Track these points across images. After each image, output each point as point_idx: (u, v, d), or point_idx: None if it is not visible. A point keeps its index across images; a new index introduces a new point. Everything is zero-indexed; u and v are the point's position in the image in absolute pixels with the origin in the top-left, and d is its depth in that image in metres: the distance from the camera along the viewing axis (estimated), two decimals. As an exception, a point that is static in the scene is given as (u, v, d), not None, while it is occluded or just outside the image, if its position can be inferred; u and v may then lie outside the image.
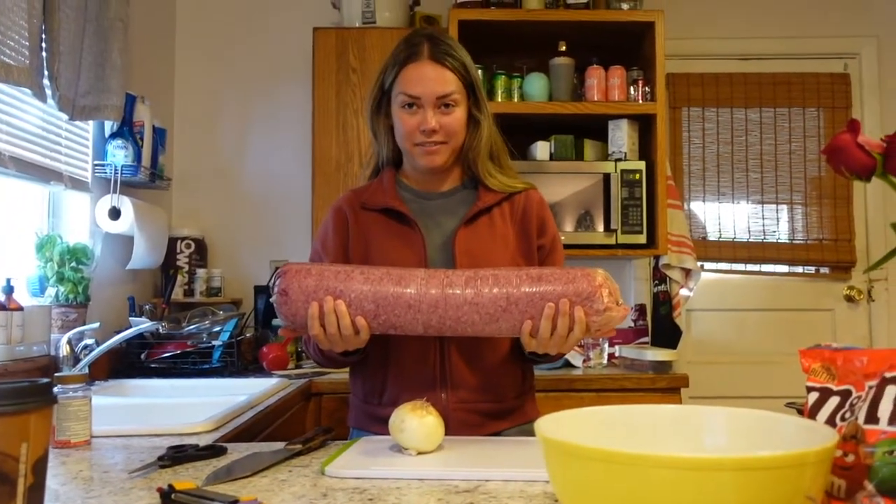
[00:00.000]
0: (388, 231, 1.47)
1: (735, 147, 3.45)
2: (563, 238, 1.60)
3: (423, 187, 1.53)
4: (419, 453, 1.14)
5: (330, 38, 2.96)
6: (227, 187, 3.27)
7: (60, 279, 2.16)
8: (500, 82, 2.95)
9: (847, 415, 0.72)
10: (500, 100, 2.93)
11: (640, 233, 2.87)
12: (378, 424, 1.42)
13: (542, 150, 2.96)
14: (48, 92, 2.05)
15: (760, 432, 0.77)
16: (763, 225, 3.42)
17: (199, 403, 1.83)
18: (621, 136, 2.96)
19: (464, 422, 1.41)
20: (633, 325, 3.12)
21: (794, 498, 0.61)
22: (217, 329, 2.62)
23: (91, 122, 2.47)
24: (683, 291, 3.08)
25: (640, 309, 3.14)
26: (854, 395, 0.73)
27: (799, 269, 3.44)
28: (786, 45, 3.46)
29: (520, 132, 3.03)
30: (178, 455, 1.13)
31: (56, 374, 1.33)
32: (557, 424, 0.76)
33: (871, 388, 0.71)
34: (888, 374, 0.70)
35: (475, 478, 1.02)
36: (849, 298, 3.40)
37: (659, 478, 0.60)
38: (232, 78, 3.30)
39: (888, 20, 3.46)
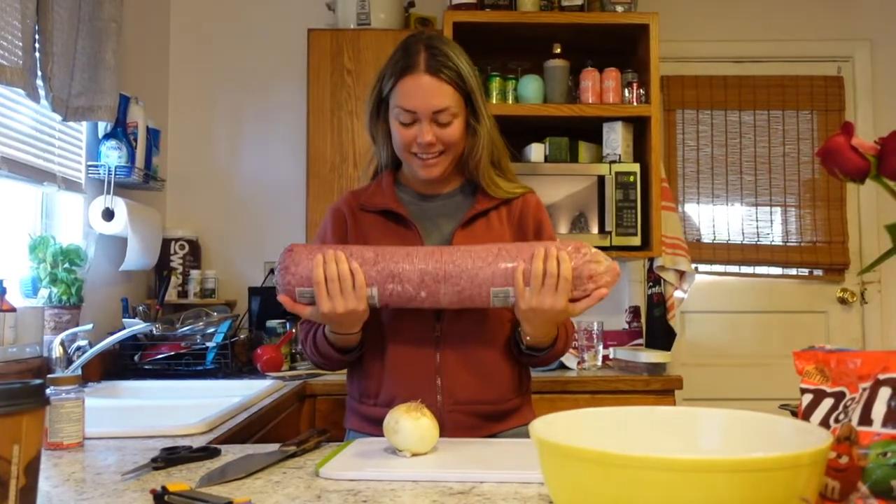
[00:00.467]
0: (386, 232, 1.48)
1: (729, 149, 3.46)
2: (557, 240, 1.60)
3: (422, 189, 1.53)
4: (413, 455, 1.14)
5: (325, 40, 2.96)
6: (221, 189, 3.26)
7: (53, 280, 2.15)
8: (495, 84, 2.95)
9: (841, 416, 0.72)
10: (494, 102, 2.94)
11: (635, 235, 2.88)
12: (373, 425, 1.42)
13: (536, 152, 2.97)
14: (41, 92, 2.05)
15: (755, 434, 0.77)
16: (757, 227, 3.43)
17: (192, 405, 1.82)
18: (616, 139, 2.96)
19: (459, 424, 1.41)
20: (627, 326, 3.12)
21: (788, 499, 0.61)
22: (211, 330, 2.61)
23: (84, 123, 2.46)
24: (678, 293, 3.09)
25: (635, 311, 3.15)
26: (848, 396, 0.73)
27: (792, 272, 3.45)
28: (780, 48, 3.47)
29: (514, 134, 3.01)
30: (172, 457, 1.13)
31: (49, 376, 1.32)
32: (552, 426, 0.76)
33: (864, 389, 0.72)
34: (882, 376, 0.71)
35: (470, 479, 1.02)
36: (842, 300, 3.41)
37: (653, 479, 0.60)
38: (226, 79, 3.29)
39: (881, 24, 3.48)
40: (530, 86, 2.95)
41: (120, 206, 2.50)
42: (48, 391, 1.25)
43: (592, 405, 0.85)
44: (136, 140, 2.57)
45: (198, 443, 1.32)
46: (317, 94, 2.94)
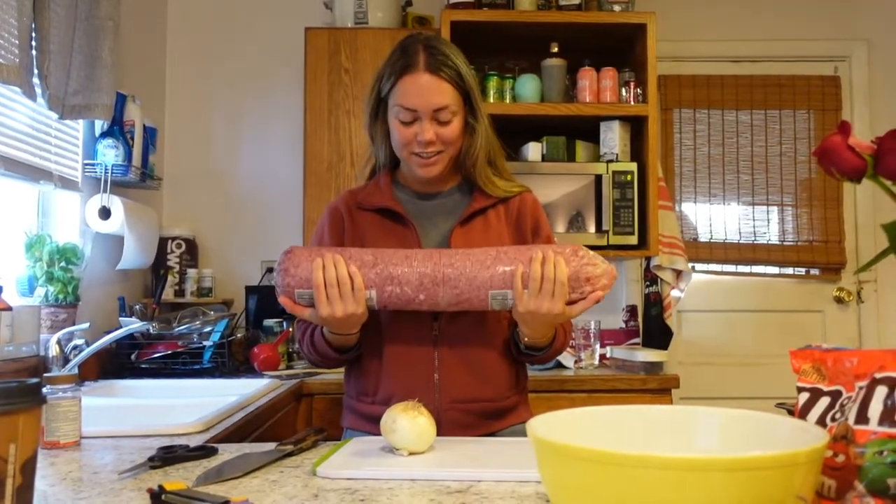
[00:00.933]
0: (384, 231, 1.48)
1: (726, 149, 3.46)
2: (554, 239, 1.61)
3: (419, 188, 1.53)
4: (411, 453, 1.14)
5: (322, 39, 2.96)
6: (218, 187, 3.26)
7: (50, 279, 2.15)
8: (492, 83, 2.95)
9: (837, 415, 0.73)
10: (492, 101, 2.93)
11: (632, 234, 2.88)
12: (370, 424, 1.43)
13: (533, 151, 2.97)
14: (38, 90, 2.04)
15: (751, 433, 0.77)
16: (754, 226, 3.44)
17: (189, 404, 1.82)
18: (613, 138, 2.96)
19: (457, 422, 1.41)
20: (624, 325, 3.12)
21: (784, 498, 0.61)
22: (208, 329, 2.61)
23: (81, 122, 2.46)
24: (674, 292, 3.09)
25: (632, 310, 3.15)
26: (844, 395, 0.74)
27: (789, 271, 3.45)
28: (777, 47, 3.47)
29: (512, 133, 3.03)
30: (169, 456, 1.13)
31: (45, 375, 1.32)
32: (549, 425, 0.76)
33: (861, 388, 0.72)
34: (878, 375, 0.71)
35: (467, 478, 1.02)
36: (838, 300, 3.42)
37: (650, 478, 0.60)
38: (223, 78, 3.29)
39: (878, 24, 3.48)
40: (528, 85, 2.95)
41: (116, 204, 2.49)
42: (45, 390, 1.25)
43: (589, 404, 0.85)
44: (132, 138, 2.57)
45: (195, 442, 1.31)
46: (314, 92, 2.94)
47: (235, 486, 1.00)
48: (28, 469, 0.75)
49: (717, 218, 3.45)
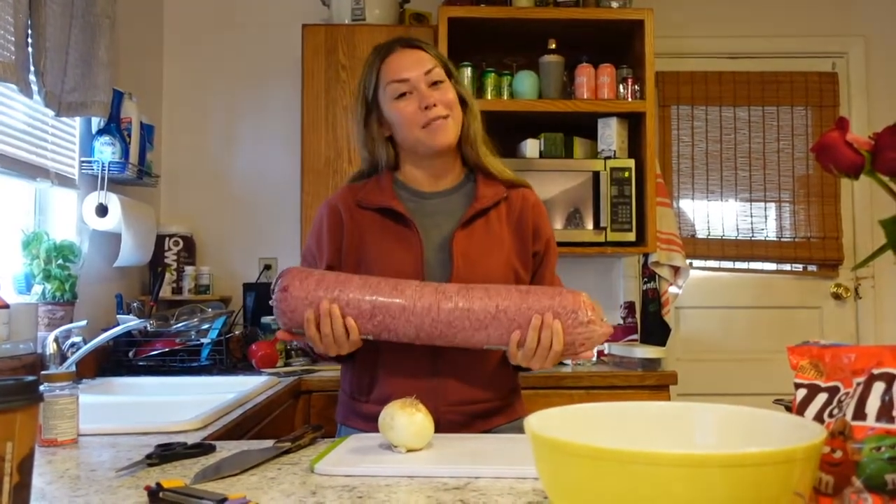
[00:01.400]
0: (384, 231, 1.46)
1: (724, 145, 3.46)
2: (555, 241, 1.60)
3: (421, 186, 1.52)
4: (409, 451, 1.14)
5: (319, 35, 2.95)
6: (215, 184, 3.25)
7: (47, 276, 2.14)
8: (490, 80, 2.95)
9: (835, 411, 0.73)
10: (489, 97, 2.93)
11: (630, 231, 2.88)
12: (364, 421, 1.43)
13: (531, 147, 2.97)
14: (34, 88, 2.03)
15: (749, 429, 0.77)
16: (751, 223, 3.44)
17: (187, 401, 1.82)
18: (611, 134, 2.96)
19: (454, 423, 1.41)
20: (622, 322, 3.12)
21: (782, 494, 0.61)
22: (205, 327, 2.61)
23: (78, 119, 2.45)
24: (672, 289, 3.10)
25: (630, 306, 3.15)
26: (842, 391, 0.74)
27: (787, 267, 3.46)
28: (774, 43, 3.47)
29: (509, 130, 3.04)
30: (166, 453, 1.13)
31: (43, 373, 1.31)
32: (547, 421, 0.76)
33: (858, 384, 0.72)
34: (876, 371, 0.71)
35: (465, 475, 1.02)
36: (836, 296, 3.42)
37: (648, 475, 0.60)
38: (220, 75, 3.28)
39: (876, 20, 3.48)
40: (525, 81, 2.95)
41: (114, 202, 2.49)
42: (42, 388, 1.25)
43: (587, 401, 0.86)
44: (129, 136, 2.56)
45: (192, 439, 1.31)
46: (311, 89, 2.94)
47: (233, 483, 1.00)
48: (25, 467, 0.75)
49: (714, 214, 3.45)
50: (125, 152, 2.53)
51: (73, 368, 1.86)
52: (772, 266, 3.46)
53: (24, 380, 0.77)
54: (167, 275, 2.93)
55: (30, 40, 2.00)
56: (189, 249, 3.08)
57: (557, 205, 2.87)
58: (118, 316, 2.49)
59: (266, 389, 2.10)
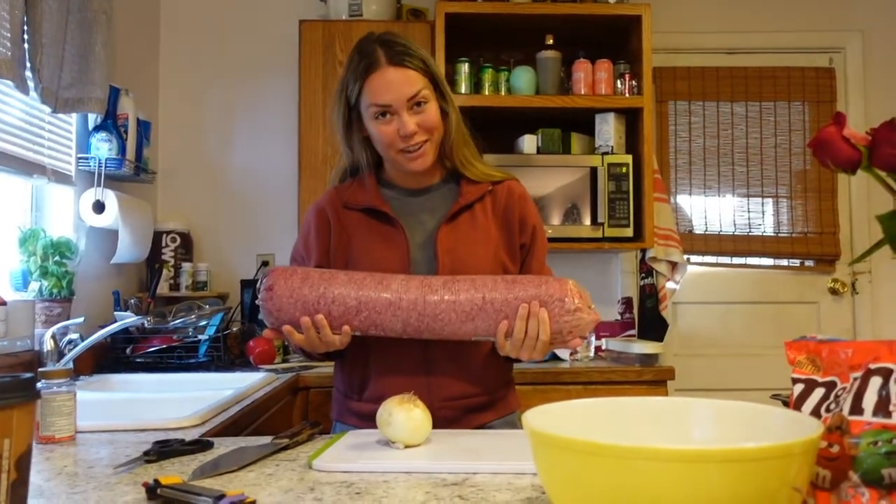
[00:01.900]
0: (370, 230, 1.46)
1: (721, 140, 3.46)
2: (549, 231, 1.60)
3: (406, 184, 1.51)
4: (406, 447, 1.14)
5: (316, 31, 2.95)
6: (212, 181, 3.25)
7: (44, 273, 2.14)
8: (488, 75, 2.94)
9: (832, 406, 0.73)
10: (487, 93, 2.93)
11: (627, 226, 2.88)
12: (358, 419, 1.43)
13: (529, 143, 2.97)
14: (30, 84, 2.03)
15: (746, 424, 0.77)
16: (748, 218, 3.44)
17: (184, 398, 1.82)
18: (608, 130, 2.96)
19: (447, 418, 1.41)
20: (619, 318, 3.13)
21: (779, 489, 0.61)
22: (203, 323, 2.61)
23: (74, 115, 2.45)
24: (670, 284, 3.10)
25: (627, 302, 3.16)
26: (839, 386, 0.74)
27: (784, 262, 3.46)
28: (772, 39, 3.47)
29: (507, 126, 3.04)
30: (164, 450, 1.13)
31: (40, 369, 1.31)
32: (545, 417, 0.76)
33: (855, 379, 0.72)
34: (872, 366, 0.71)
35: (463, 471, 1.02)
36: (833, 291, 3.43)
37: (646, 470, 0.60)
38: (217, 71, 3.27)
39: (873, 15, 3.48)
40: (523, 77, 2.94)
41: (111, 198, 2.48)
42: (39, 385, 1.25)
43: (585, 396, 0.86)
44: (126, 132, 2.56)
45: (190, 436, 1.31)
46: (308, 85, 2.93)
47: (231, 479, 1.00)
48: (23, 464, 0.75)
49: (712, 210, 3.45)
50: (122, 149, 2.52)
51: (71, 365, 1.87)
52: (769, 261, 3.46)
53: (22, 377, 0.77)
54: (164, 271, 2.93)
55: (26, 36, 2.00)
56: (186, 246, 3.08)
57: (555, 200, 2.87)
58: (115, 313, 2.49)
59: (264, 386, 2.10)
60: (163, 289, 2.92)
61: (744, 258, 3.45)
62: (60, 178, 2.37)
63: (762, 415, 0.77)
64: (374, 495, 0.92)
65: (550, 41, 2.97)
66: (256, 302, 1.37)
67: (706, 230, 3.44)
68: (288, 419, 2.29)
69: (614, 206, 2.87)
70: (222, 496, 0.87)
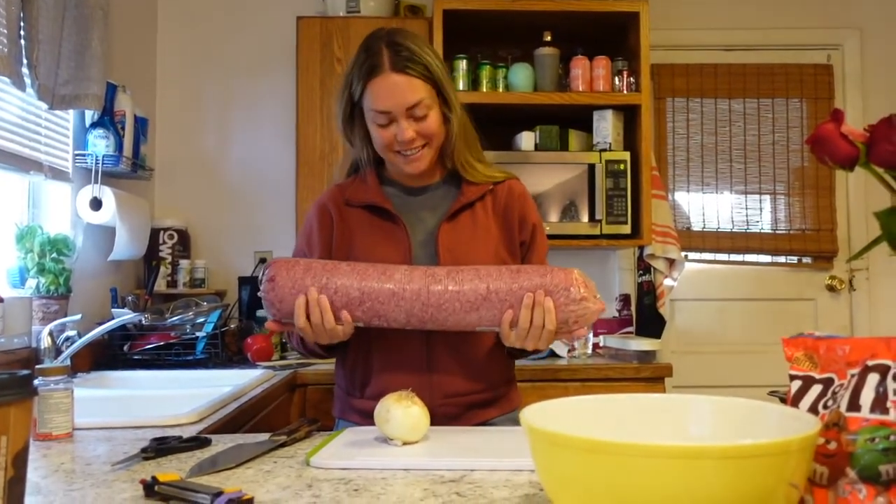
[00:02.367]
0: (372, 227, 1.47)
1: (719, 137, 3.46)
2: (547, 228, 1.59)
3: (407, 182, 1.52)
4: (404, 443, 1.14)
5: (314, 28, 2.94)
6: (210, 178, 3.24)
7: (41, 270, 2.14)
8: (485, 72, 2.94)
9: (829, 403, 0.73)
10: (484, 90, 2.93)
11: (625, 223, 2.88)
12: (360, 416, 1.43)
13: (526, 140, 2.96)
14: (27, 80, 2.02)
15: (744, 421, 0.77)
16: (746, 215, 3.45)
17: (182, 395, 1.82)
18: (606, 127, 2.96)
19: (449, 415, 1.41)
20: (617, 315, 3.13)
21: (777, 485, 0.61)
22: (201, 320, 2.60)
23: (71, 112, 2.44)
24: (667, 281, 3.10)
25: (625, 299, 3.16)
26: (836, 383, 0.74)
27: (781, 259, 3.47)
28: (769, 36, 3.47)
29: (504, 122, 3.04)
30: (162, 447, 1.13)
31: (37, 367, 1.31)
32: (543, 414, 0.76)
33: (853, 376, 0.72)
34: (870, 363, 0.71)
35: (461, 467, 1.02)
36: (830, 288, 3.43)
37: (643, 466, 0.60)
38: (215, 67, 3.27)
39: (871, 12, 3.48)
40: (520, 74, 2.94)
41: (108, 195, 2.48)
42: (36, 382, 1.25)
43: (583, 393, 0.86)
44: (123, 129, 2.55)
45: (188, 433, 1.31)
46: (306, 82, 2.93)
47: (229, 476, 1.00)
48: (20, 461, 0.75)
49: (709, 207, 3.45)
50: (119, 145, 2.52)
51: (68, 362, 1.86)
52: (766, 258, 3.46)
53: (19, 374, 0.77)
54: (162, 268, 2.93)
55: (22, 33, 1.99)
56: (184, 243, 3.08)
57: (553, 197, 2.87)
58: (113, 310, 2.48)
59: (262, 383, 2.10)
60: (160, 286, 2.92)
61: (741, 255, 3.45)
62: (57, 174, 2.37)
63: (759, 411, 0.77)
64: (372, 492, 0.92)
65: (548, 38, 2.97)
66: (258, 294, 1.36)
67: (704, 227, 3.44)
68: (286, 416, 2.29)
69: (612, 203, 2.87)
70: (220, 493, 0.87)
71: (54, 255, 2.17)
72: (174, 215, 3.12)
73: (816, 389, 0.75)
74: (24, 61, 2.00)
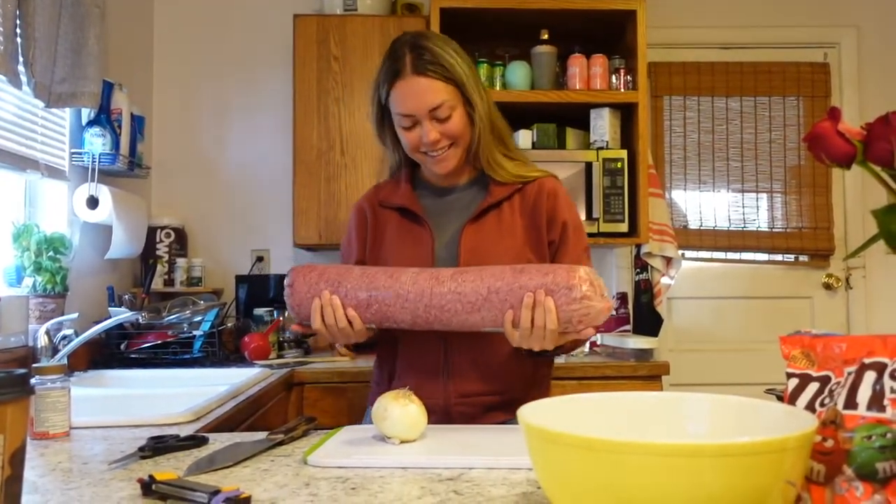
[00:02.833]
0: (400, 228, 1.52)
1: (716, 136, 3.46)
2: (578, 222, 1.56)
3: (437, 183, 1.56)
4: (402, 442, 1.14)
5: (311, 26, 2.94)
6: (207, 176, 3.24)
7: (38, 269, 2.13)
8: (482, 71, 2.94)
9: (826, 400, 0.73)
10: (482, 88, 2.92)
11: (622, 221, 2.88)
12: None
13: (524, 138, 2.96)
14: (23, 79, 2.02)
15: (741, 418, 0.77)
16: (743, 213, 3.45)
17: (179, 394, 1.81)
18: (603, 125, 2.96)
19: (465, 414, 1.44)
20: (614, 313, 3.13)
21: (774, 483, 0.61)
22: (198, 319, 2.60)
23: (68, 110, 2.43)
24: (665, 279, 3.10)
25: (622, 297, 3.16)
26: (833, 380, 0.74)
27: (778, 257, 3.47)
28: (766, 34, 3.47)
29: (502, 121, 3.03)
30: (159, 445, 1.12)
31: (34, 365, 1.31)
32: (540, 412, 0.76)
33: (849, 374, 0.72)
34: (867, 360, 0.71)
35: (458, 465, 1.02)
36: (827, 286, 3.44)
37: (640, 464, 0.60)
38: (211, 65, 3.26)
39: (868, 10, 3.49)
40: (518, 72, 2.94)
41: (104, 193, 2.47)
42: (33, 381, 1.25)
43: (580, 391, 0.86)
44: (120, 127, 2.55)
45: (185, 431, 1.31)
46: (303, 80, 2.92)
47: (226, 475, 1.00)
48: (17, 460, 0.75)
49: (706, 205, 3.45)
50: (116, 144, 2.51)
51: (65, 361, 1.86)
52: (763, 256, 3.47)
53: (15, 373, 0.77)
54: (159, 267, 2.92)
55: (18, 30, 1.98)
56: (181, 241, 3.07)
57: (550, 196, 2.87)
58: (110, 308, 2.48)
59: (259, 381, 2.10)
60: (157, 284, 2.91)
61: (738, 253, 3.46)
62: (54, 173, 2.36)
63: (756, 409, 0.77)
64: (370, 490, 0.92)
65: (545, 36, 2.97)
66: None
67: (701, 225, 3.44)
68: (283, 415, 2.29)
69: (609, 201, 2.87)
70: (217, 492, 0.87)
71: (51, 253, 2.17)
72: (171, 214, 3.12)
73: (813, 387, 0.75)
74: (21, 59, 2.00)
